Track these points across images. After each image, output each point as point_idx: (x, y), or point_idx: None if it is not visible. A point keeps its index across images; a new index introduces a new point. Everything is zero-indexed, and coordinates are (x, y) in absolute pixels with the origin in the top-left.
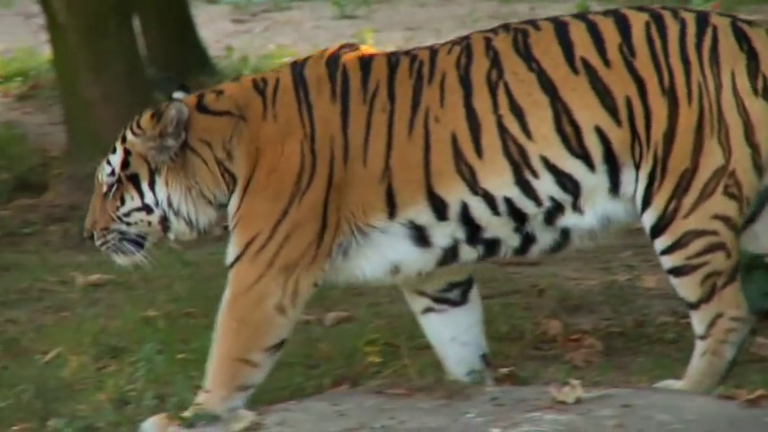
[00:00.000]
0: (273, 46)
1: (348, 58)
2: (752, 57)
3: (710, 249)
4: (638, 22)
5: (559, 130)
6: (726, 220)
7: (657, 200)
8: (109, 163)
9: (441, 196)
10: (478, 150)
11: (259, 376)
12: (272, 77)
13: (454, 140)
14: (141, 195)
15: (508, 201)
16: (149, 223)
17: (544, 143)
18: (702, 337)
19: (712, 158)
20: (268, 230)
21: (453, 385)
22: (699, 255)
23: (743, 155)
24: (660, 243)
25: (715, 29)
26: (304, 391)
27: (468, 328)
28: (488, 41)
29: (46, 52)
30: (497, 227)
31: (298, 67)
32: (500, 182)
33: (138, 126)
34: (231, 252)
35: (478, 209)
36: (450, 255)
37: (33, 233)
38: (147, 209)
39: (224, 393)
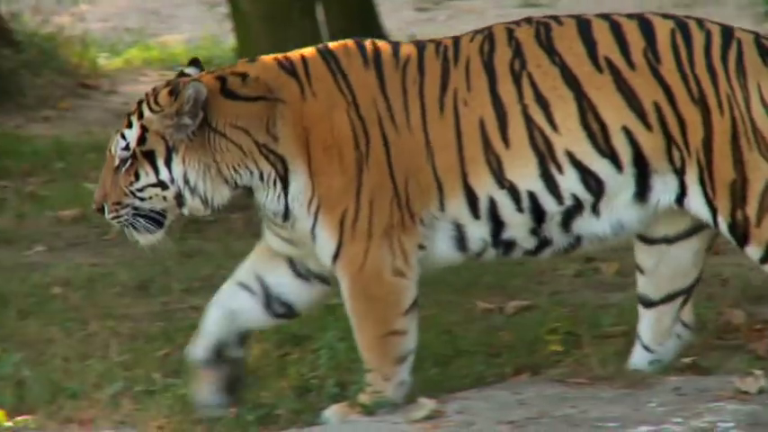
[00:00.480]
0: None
1: (372, 40)
2: None
3: None
4: (663, 28)
5: (586, 126)
6: None
7: (720, 207)
8: (123, 137)
9: (473, 189)
10: (505, 139)
11: (411, 341)
12: (296, 57)
13: (482, 127)
14: (156, 172)
15: (531, 195)
16: (164, 198)
17: (570, 137)
18: None
19: (759, 172)
20: (353, 203)
21: (635, 375)
22: None
23: None
24: (752, 254)
25: (740, 42)
26: (485, 380)
27: (252, 322)
28: (510, 32)
29: (230, 41)
30: (518, 226)
31: (321, 46)
32: (525, 173)
33: (156, 103)
34: (328, 241)
35: (504, 204)
36: (477, 257)
37: (217, 221)
38: (162, 185)
39: (387, 371)
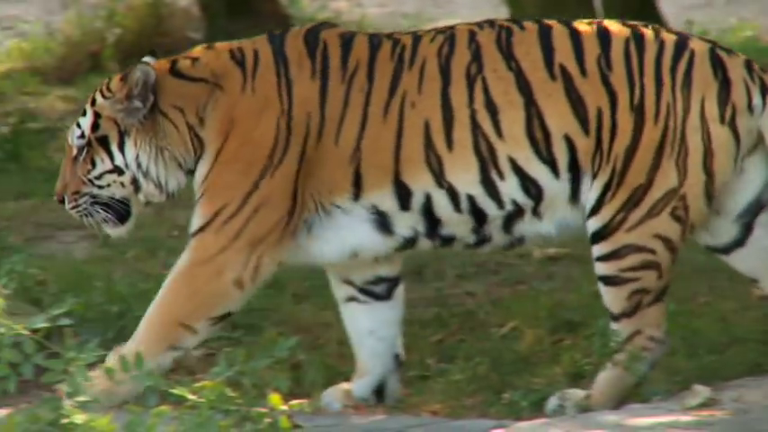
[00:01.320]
0: (734, 20)
1: (328, 35)
2: (724, 85)
3: (644, 267)
4: (619, 36)
5: (530, 133)
6: (666, 241)
7: (606, 209)
8: (79, 126)
9: (407, 184)
10: (449, 142)
11: (194, 342)
12: (248, 48)
13: (427, 129)
14: (111, 157)
15: (471, 199)
16: (122, 184)
17: (514, 144)
18: (617, 351)
19: (666, 179)
20: (237, 202)
21: None
22: (632, 269)
23: (697, 180)
24: (597, 249)
25: (692, 53)
26: (761, 368)
27: (388, 324)
28: (472, 34)
29: None
30: (457, 224)
31: (276, 41)
32: (466, 178)
33: (108, 89)
34: (196, 220)
35: (441, 203)
36: (409, 244)
37: None
38: (118, 170)
39: (155, 350)
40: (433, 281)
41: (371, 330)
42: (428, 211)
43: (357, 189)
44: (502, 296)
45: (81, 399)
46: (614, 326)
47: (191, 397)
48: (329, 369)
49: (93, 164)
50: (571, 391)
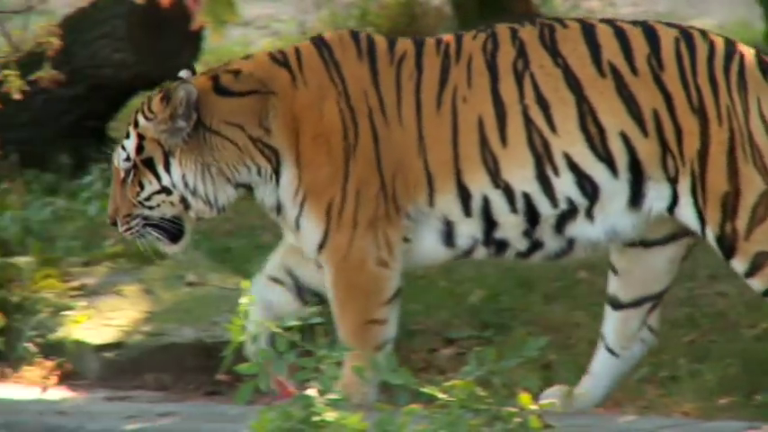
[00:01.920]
0: None
1: (367, 33)
2: None
3: None
4: (667, 36)
5: (584, 129)
6: None
7: (710, 218)
8: (124, 148)
9: (467, 186)
10: (503, 139)
11: (391, 330)
12: (289, 49)
13: (480, 125)
14: (158, 178)
15: (526, 197)
16: (171, 203)
17: (568, 140)
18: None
19: (753, 184)
20: (339, 193)
21: None
22: None
23: None
24: (737, 267)
25: (742, 56)
26: None
27: (287, 314)
28: (514, 32)
29: (760, 26)
30: (511, 227)
31: (316, 36)
32: (521, 174)
33: (150, 110)
34: (313, 230)
35: (498, 204)
36: (466, 254)
37: None
38: (166, 191)
39: (368, 355)
40: (686, 281)
41: (269, 305)
42: (486, 215)
43: (431, 191)
44: (754, 297)
45: (332, 396)
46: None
47: (441, 396)
48: (580, 369)
49: (142, 186)
50: None
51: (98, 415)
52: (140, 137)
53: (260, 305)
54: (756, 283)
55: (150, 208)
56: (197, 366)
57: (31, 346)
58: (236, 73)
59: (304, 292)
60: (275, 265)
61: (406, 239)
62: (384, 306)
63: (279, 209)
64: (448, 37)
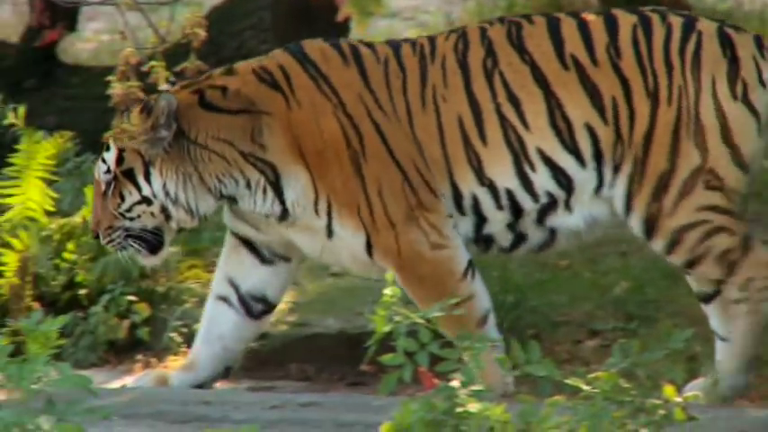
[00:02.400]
0: None
1: (347, 41)
2: (733, 62)
3: (709, 235)
4: (626, 23)
5: (554, 123)
6: (712, 207)
7: (639, 203)
8: (104, 161)
9: (458, 186)
10: (483, 138)
11: (483, 301)
12: (272, 66)
13: (461, 124)
14: (139, 189)
15: (509, 193)
16: (152, 214)
17: (540, 135)
18: (737, 302)
19: (689, 159)
20: (362, 198)
21: None
22: (698, 244)
23: (721, 153)
24: (656, 246)
25: (700, 34)
26: None
27: (240, 341)
28: (483, 31)
29: None
30: (497, 222)
31: (296, 51)
32: (503, 171)
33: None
34: (354, 233)
35: (485, 201)
36: None
37: None
38: (147, 201)
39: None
40: None
41: (222, 337)
42: (477, 213)
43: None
44: None
45: (475, 388)
46: (726, 290)
47: (585, 388)
48: None
49: (122, 197)
50: None
51: (242, 405)
52: (120, 149)
53: (215, 348)
54: (675, 259)
55: (131, 219)
56: (340, 357)
57: (175, 336)
58: (223, 89)
59: (249, 302)
60: (219, 282)
61: (450, 216)
62: (461, 283)
63: (283, 217)
64: (421, 39)
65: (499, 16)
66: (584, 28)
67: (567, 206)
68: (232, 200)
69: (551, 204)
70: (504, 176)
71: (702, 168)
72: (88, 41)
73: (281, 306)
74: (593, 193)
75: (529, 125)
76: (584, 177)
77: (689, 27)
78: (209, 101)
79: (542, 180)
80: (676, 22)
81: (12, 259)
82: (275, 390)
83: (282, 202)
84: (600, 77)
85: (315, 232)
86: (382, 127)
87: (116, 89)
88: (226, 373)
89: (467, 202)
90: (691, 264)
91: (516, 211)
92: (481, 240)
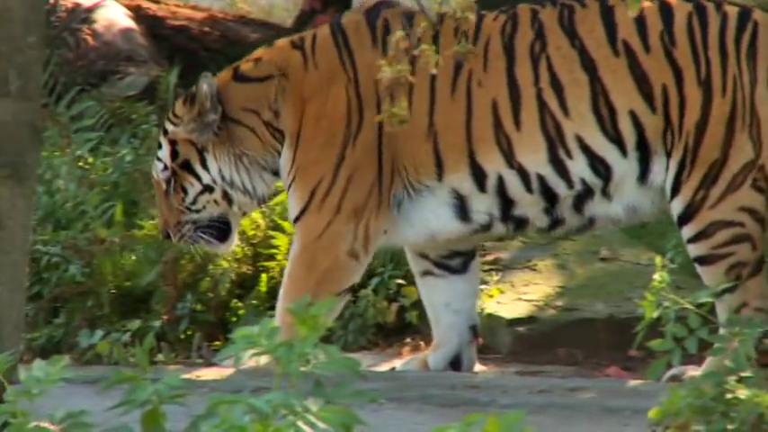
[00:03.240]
0: None
1: (389, 12)
2: None
3: (736, 240)
4: (681, 11)
5: (596, 110)
6: (752, 212)
7: (686, 189)
8: (159, 159)
9: (481, 165)
10: (517, 122)
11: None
12: (309, 33)
13: (495, 108)
14: (199, 178)
15: (541, 178)
16: (216, 202)
17: (581, 122)
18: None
19: (742, 152)
20: (329, 176)
21: None
22: (724, 245)
23: None
24: (687, 231)
25: (756, 24)
26: None
27: (464, 297)
28: (534, 13)
29: None
30: (529, 205)
31: (335, 19)
32: (535, 158)
33: (175, 115)
34: (294, 205)
35: (513, 183)
36: (484, 230)
37: None
38: (209, 189)
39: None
40: None
41: (447, 303)
42: (502, 193)
43: (440, 168)
44: None
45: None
46: (718, 304)
47: None
48: None
49: (185, 190)
50: None
51: (510, 389)
52: (172, 143)
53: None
54: (695, 248)
55: (198, 211)
56: (609, 342)
57: None
58: (257, 60)
59: (444, 263)
60: (412, 262)
61: (385, 232)
62: (334, 296)
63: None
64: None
65: None
66: (638, 14)
67: (606, 194)
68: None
69: (587, 192)
70: (536, 162)
71: (755, 163)
72: None
73: (549, 290)
74: (635, 182)
75: (569, 111)
76: (625, 167)
77: (745, 17)
78: (242, 73)
79: (578, 167)
80: (732, 11)
81: (283, 242)
82: (543, 374)
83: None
84: (651, 65)
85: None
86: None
87: (386, 73)
88: (473, 331)
89: (491, 182)
90: (705, 260)
91: (550, 196)
92: (511, 221)
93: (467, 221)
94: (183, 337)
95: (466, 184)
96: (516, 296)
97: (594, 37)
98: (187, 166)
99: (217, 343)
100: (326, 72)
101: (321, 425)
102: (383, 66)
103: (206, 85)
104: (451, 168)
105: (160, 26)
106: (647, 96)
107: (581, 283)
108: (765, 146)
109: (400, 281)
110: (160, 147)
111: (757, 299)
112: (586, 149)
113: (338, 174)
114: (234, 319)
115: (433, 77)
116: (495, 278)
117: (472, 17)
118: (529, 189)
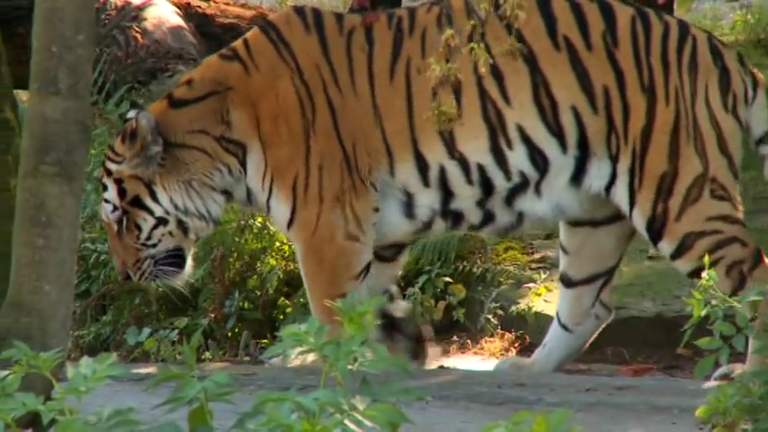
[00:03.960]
0: None
1: (313, 8)
2: (724, 73)
3: (720, 246)
4: (623, 14)
5: (537, 101)
6: (725, 218)
7: (642, 200)
8: (107, 201)
9: (424, 156)
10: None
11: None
12: (238, 43)
13: (435, 96)
14: (151, 212)
15: (481, 168)
16: (171, 233)
17: (522, 112)
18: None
19: (691, 165)
20: (303, 169)
21: None
22: (710, 252)
23: (721, 163)
24: (665, 249)
25: (695, 38)
26: None
27: (383, 279)
28: (467, 3)
29: None
30: (467, 197)
31: (262, 20)
32: (476, 146)
33: (116, 153)
34: (283, 209)
35: (454, 174)
36: (426, 228)
37: None
38: (163, 221)
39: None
40: None
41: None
42: (443, 185)
43: (390, 160)
44: None
45: None
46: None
47: None
48: None
49: (139, 227)
50: None
51: (557, 387)
52: (118, 181)
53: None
54: (682, 264)
55: (154, 245)
56: (657, 340)
57: (491, 318)
58: (189, 83)
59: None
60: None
61: (376, 210)
62: (353, 280)
63: (249, 196)
64: (400, 11)
65: None
66: (577, 10)
67: (537, 190)
68: (228, 194)
69: (522, 185)
70: (478, 151)
71: (705, 176)
72: None
73: None
74: (567, 182)
75: (510, 100)
76: (562, 163)
77: (685, 29)
78: (178, 99)
79: (518, 159)
80: (672, 22)
81: None
82: (590, 373)
83: (247, 181)
84: (592, 63)
85: (264, 209)
86: (334, 102)
87: (435, 71)
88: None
89: (433, 174)
90: (698, 273)
91: (487, 187)
92: (449, 215)
93: (412, 219)
94: (230, 334)
95: (412, 179)
96: None
97: (532, 28)
98: (138, 203)
99: (264, 341)
100: (269, 70)
101: (368, 423)
102: (432, 64)
103: (144, 120)
104: (400, 160)
105: (209, 24)
106: (589, 94)
107: (628, 282)
108: (711, 159)
109: (447, 279)
110: (105, 188)
111: None
112: (527, 140)
113: (309, 165)
114: (281, 317)
115: (370, 61)
116: (543, 276)
117: (522, 15)
118: (469, 180)
